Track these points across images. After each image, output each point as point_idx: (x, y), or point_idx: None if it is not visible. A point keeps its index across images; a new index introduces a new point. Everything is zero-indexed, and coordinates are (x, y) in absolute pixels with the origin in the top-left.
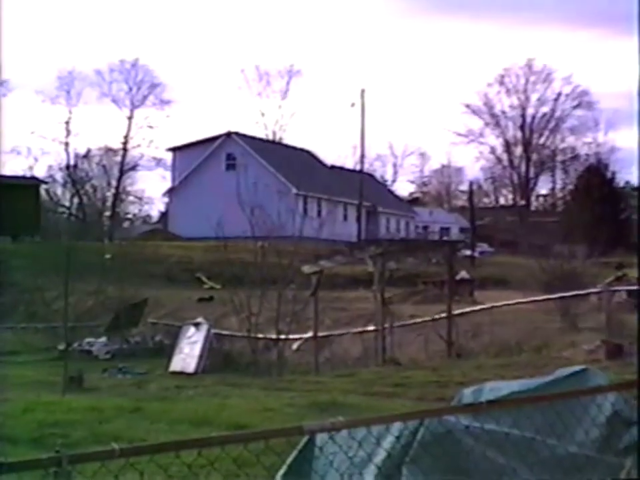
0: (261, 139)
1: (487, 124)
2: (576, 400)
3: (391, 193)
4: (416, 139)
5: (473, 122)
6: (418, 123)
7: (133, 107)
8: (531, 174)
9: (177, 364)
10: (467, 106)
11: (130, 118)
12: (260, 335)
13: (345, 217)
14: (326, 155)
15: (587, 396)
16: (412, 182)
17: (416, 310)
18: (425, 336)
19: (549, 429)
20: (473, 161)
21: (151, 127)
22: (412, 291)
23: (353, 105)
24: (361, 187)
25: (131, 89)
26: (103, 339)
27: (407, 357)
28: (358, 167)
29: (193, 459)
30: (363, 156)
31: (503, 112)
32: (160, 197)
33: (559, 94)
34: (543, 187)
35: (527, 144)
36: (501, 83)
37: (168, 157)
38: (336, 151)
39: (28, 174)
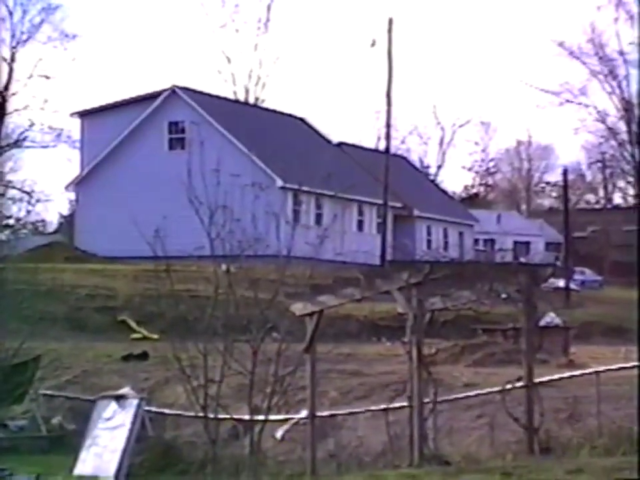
0: (226, 100)
1: (593, 73)
2: None
3: (436, 186)
4: (474, 101)
5: (570, 71)
6: (477, 76)
7: (16, 42)
8: None
9: (87, 463)
10: (561, 45)
11: (10, 61)
12: (223, 415)
13: (361, 225)
14: (330, 127)
15: None
16: (469, 169)
17: (474, 375)
18: (489, 418)
19: None
20: (569, 136)
21: (46, 76)
22: (467, 345)
23: (373, 43)
24: (386, 177)
25: (11, 14)
26: None
27: (460, 451)
28: (382, 146)
29: None
30: (389, 127)
31: (622, 53)
32: (61, 191)
33: None
34: None
35: None
36: (620, 5)
37: (74, 127)
38: (346, 121)
39: None
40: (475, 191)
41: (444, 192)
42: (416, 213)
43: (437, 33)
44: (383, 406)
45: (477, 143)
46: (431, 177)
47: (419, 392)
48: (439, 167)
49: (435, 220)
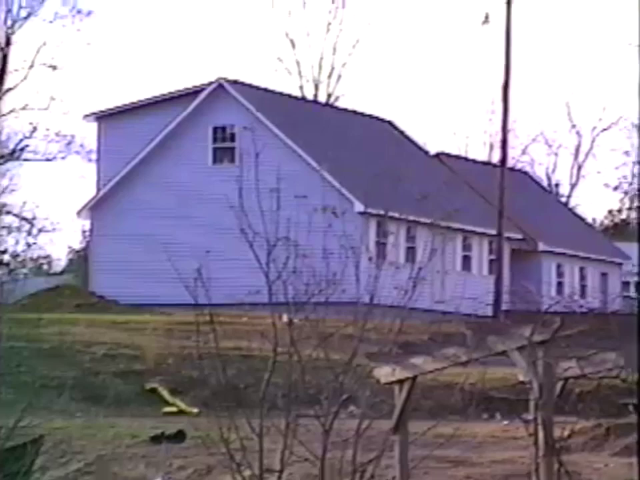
0: (289, 97)
1: None
2: None
3: (570, 211)
4: (623, 97)
5: None
6: (625, 62)
7: (12, 21)
8: None
9: None
10: None
11: (5, 45)
12: None
13: (468, 264)
14: (426, 132)
15: None
16: (614, 188)
17: (625, 468)
18: None
19: None
20: None
21: (52, 66)
22: (615, 426)
23: (486, 19)
24: (501, 198)
25: None
26: None
27: None
28: (495, 157)
29: None
30: (505, 131)
31: None
32: (72, 219)
33: None
34: None
35: None
36: None
37: (89, 134)
38: (447, 124)
39: None
40: (623, 217)
41: (580, 219)
42: (542, 247)
43: (572, 5)
44: None
45: (626, 153)
46: (563, 199)
47: None
48: (573, 186)
49: (568, 256)
